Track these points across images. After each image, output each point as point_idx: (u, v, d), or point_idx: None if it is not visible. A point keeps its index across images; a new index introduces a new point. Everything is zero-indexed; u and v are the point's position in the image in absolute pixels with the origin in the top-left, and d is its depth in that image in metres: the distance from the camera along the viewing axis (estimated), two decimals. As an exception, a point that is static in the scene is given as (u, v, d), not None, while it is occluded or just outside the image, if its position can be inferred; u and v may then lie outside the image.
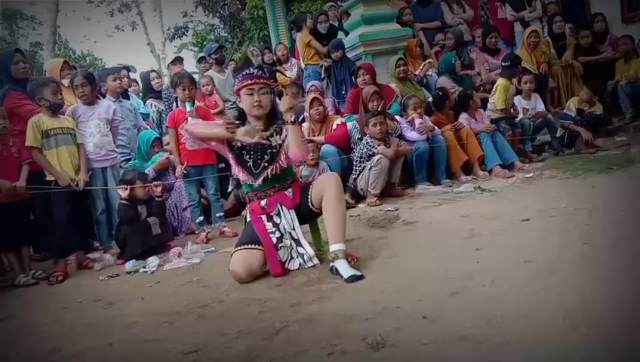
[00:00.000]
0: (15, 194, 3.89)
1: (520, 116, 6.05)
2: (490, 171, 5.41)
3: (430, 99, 5.93)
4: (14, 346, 2.47)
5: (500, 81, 5.91)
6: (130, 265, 3.81)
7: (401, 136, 5.18)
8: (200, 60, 7.25)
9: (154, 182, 4.43)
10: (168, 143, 5.23)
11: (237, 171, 3.14)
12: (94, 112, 4.44)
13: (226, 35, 17.01)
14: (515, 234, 3.04)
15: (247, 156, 3.09)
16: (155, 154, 5.10)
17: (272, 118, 3.18)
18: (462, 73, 6.58)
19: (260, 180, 3.07)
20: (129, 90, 6.37)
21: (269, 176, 3.07)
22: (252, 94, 3.05)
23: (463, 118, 5.67)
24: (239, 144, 3.10)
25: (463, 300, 2.11)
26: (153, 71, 6.94)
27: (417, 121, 5.25)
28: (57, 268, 3.88)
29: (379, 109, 5.07)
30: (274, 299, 2.53)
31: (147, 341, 2.23)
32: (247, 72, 3.09)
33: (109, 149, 4.47)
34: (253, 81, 3.05)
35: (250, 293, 2.68)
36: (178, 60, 7.40)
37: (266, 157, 3.08)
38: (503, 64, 6.13)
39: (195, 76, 5.74)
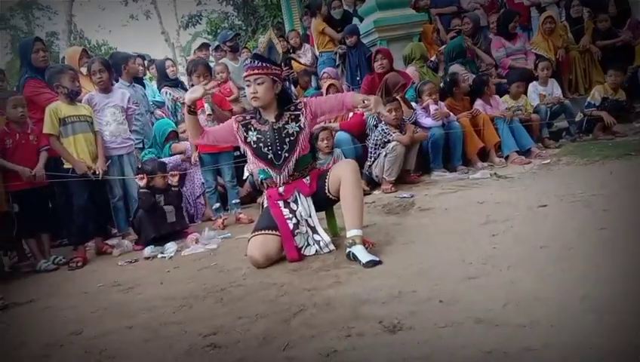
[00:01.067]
0: (34, 181, 3.96)
1: (537, 102, 6.00)
2: (506, 158, 5.38)
3: (441, 85, 5.89)
4: (37, 329, 2.54)
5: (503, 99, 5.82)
6: (148, 250, 3.87)
7: (416, 123, 5.16)
8: (216, 49, 7.26)
9: (171, 172, 4.47)
10: (185, 131, 5.27)
11: (257, 166, 3.13)
12: (110, 100, 4.49)
13: (239, 22, 17.03)
14: (531, 220, 3.03)
15: (266, 148, 3.07)
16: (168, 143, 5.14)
17: (283, 106, 3.15)
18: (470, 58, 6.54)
19: (285, 173, 3.07)
20: (145, 77, 6.43)
21: (292, 167, 3.06)
22: (249, 85, 3.06)
23: (479, 104, 5.64)
24: (254, 138, 3.10)
25: (480, 284, 2.12)
26: (168, 59, 6.97)
27: (432, 108, 5.23)
28: (77, 254, 3.96)
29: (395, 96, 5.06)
30: (290, 283, 2.55)
31: (167, 323, 2.28)
32: (246, 63, 3.12)
33: (125, 137, 4.52)
34: (247, 73, 3.06)
35: (267, 278, 2.72)
36: (204, 47, 7.41)
37: (286, 147, 3.07)
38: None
39: (211, 64, 5.76)
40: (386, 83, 5.27)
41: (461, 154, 5.36)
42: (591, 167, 4.38)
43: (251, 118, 3.16)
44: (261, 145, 3.08)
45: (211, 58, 7.28)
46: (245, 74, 3.07)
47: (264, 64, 3.04)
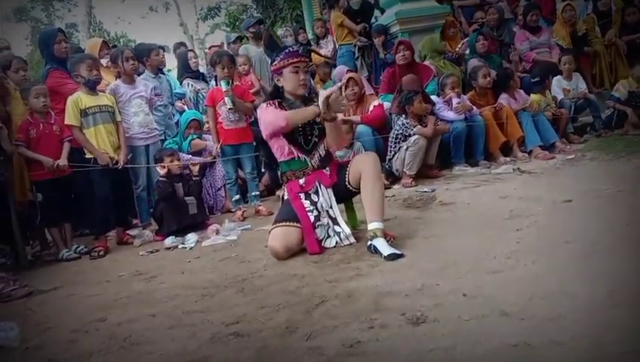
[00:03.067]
0: (57, 171, 4.03)
1: (561, 97, 5.93)
2: (529, 152, 5.33)
3: (466, 78, 5.85)
4: (62, 315, 2.59)
5: (533, 98, 5.74)
6: (169, 241, 3.92)
7: (437, 116, 5.13)
8: (234, 42, 7.29)
9: (191, 161, 4.52)
10: (205, 123, 5.32)
11: (287, 151, 3.09)
12: (136, 91, 4.55)
13: (258, 15, 17.03)
14: (556, 216, 3.00)
15: (297, 134, 3.09)
16: (189, 135, 5.18)
17: (308, 95, 3.19)
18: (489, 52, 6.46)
19: (316, 157, 3.09)
20: (164, 69, 6.47)
21: (324, 152, 3.09)
22: (297, 72, 3.06)
23: (503, 98, 5.58)
24: None
25: (504, 278, 2.12)
26: (191, 50, 7.01)
27: (455, 101, 5.20)
28: (99, 244, 4.03)
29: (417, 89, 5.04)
30: (311, 274, 2.58)
31: (189, 312, 2.32)
32: (291, 49, 3.11)
33: (152, 127, 4.58)
34: (299, 59, 3.06)
35: (288, 269, 2.75)
36: (239, 40, 7.41)
37: (315, 133, 3.11)
38: (533, 80, 5.97)
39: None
40: (400, 88, 5.24)
41: (483, 149, 5.33)
42: (616, 163, 4.33)
43: (279, 104, 3.10)
44: (293, 130, 3.08)
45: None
46: (295, 60, 3.05)
47: (304, 52, 3.11)
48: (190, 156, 4.99)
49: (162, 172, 4.26)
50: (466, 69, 6.19)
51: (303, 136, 3.09)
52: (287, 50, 3.11)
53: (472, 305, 1.89)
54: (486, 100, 5.62)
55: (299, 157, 3.10)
